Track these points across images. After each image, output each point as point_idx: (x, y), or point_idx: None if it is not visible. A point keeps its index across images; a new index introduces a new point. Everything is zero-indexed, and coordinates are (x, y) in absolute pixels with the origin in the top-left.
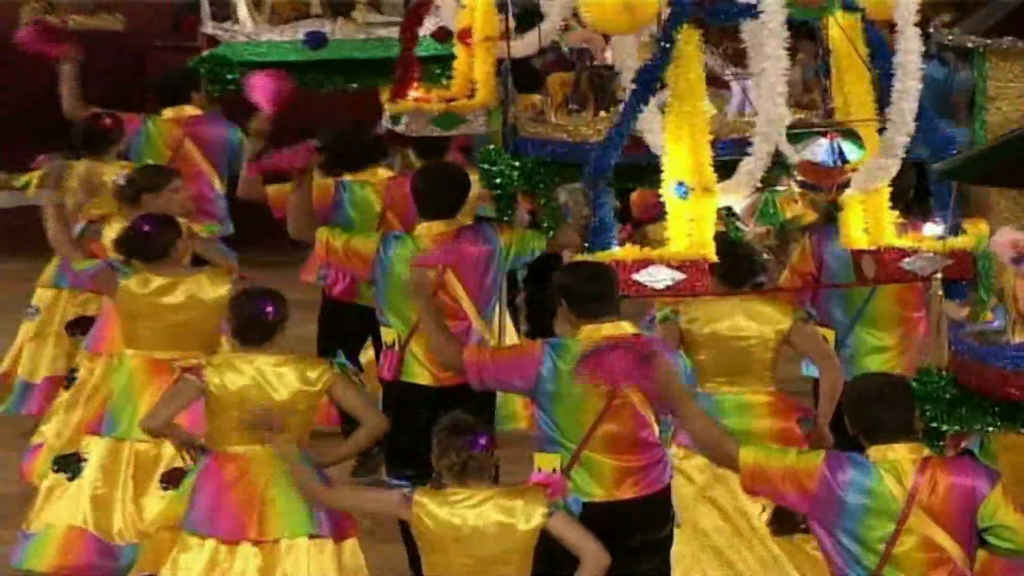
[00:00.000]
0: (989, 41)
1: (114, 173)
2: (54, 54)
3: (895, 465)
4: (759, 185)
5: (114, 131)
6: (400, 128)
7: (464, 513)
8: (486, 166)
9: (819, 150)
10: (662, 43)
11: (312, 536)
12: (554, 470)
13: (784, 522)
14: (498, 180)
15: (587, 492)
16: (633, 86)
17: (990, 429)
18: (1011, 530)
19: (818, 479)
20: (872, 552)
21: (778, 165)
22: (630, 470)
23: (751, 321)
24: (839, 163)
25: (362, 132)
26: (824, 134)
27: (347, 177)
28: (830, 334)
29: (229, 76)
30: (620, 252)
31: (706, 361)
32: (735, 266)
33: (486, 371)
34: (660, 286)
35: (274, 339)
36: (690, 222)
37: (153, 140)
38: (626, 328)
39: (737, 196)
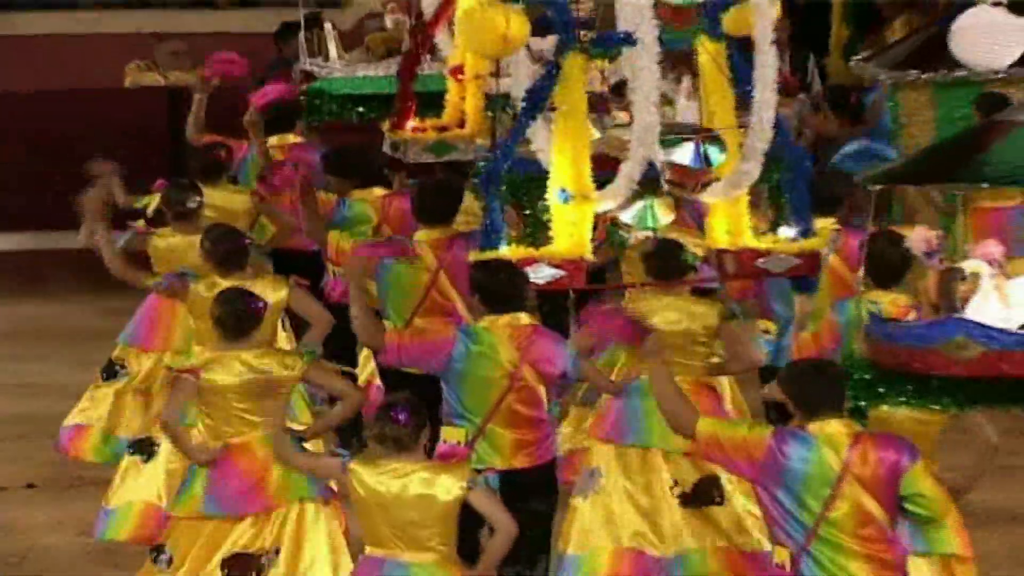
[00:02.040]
0: (899, 74)
1: (222, 198)
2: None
3: (831, 439)
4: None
5: (226, 161)
6: (399, 154)
7: (390, 482)
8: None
9: (686, 153)
10: (550, 68)
11: (311, 499)
12: (459, 442)
13: (700, 497)
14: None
15: (488, 461)
16: (524, 105)
17: (904, 403)
18: (927, 499)
19: (765, 450)
20: (810, 513)
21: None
22: (525, 443)
23: (682, 317)
24: (704, 165)
25: (362, 155)
26: (692, 140)
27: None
28: (772, 327)
29: (327, 108)
30: (508, 251)
31: None
32: (666, 264)
33: (404, 351)
34: (541, 281)
35: (254, 334)
36: (571, 225)
37: (259, 165)
38: (522, 319)
39: (615, 201)
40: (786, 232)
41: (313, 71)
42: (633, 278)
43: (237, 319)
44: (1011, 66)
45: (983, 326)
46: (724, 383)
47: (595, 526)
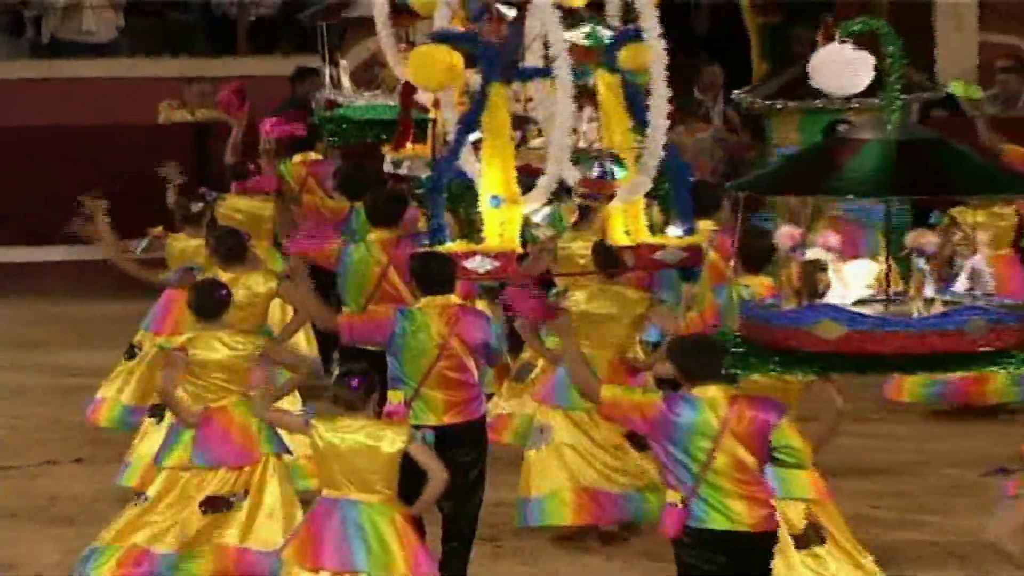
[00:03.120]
0: (770, 104)
1: (247, 204)
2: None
3: (712, 401)
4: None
5: (254, 173)
6: (402, 170)
7: (343, 436)
8: (420, 191)
9: (594, 169)
10: (478, 96)
11: (273, 455)
12: (399, 402)
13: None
14: (458, 198)
15: (423, 419)
16: (458, 127)
17: (772, 372)
18: (793, 449)
19: (657, 410)
20: (696, 462)
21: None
22: (455, 403)
23: (613, 304)
24: (608, 178)
25: (362, 169)
26: (597, 158)
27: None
28: None
29: (349, 131)
30: (453, 246)
31: (579, 330)
32: (605, 259)
33: (355, 331)
34: (481, 271)
35: (224, 317)
36: (501, 224)
37: (285, 178)
38: (452, 300)
39: (535, 204)
40: (674, 231)
41: (337, 100)
42: (567, 270)
43: (206, 304)
44: (860, 95)
45: (846, 311)
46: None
47: (552, 471)
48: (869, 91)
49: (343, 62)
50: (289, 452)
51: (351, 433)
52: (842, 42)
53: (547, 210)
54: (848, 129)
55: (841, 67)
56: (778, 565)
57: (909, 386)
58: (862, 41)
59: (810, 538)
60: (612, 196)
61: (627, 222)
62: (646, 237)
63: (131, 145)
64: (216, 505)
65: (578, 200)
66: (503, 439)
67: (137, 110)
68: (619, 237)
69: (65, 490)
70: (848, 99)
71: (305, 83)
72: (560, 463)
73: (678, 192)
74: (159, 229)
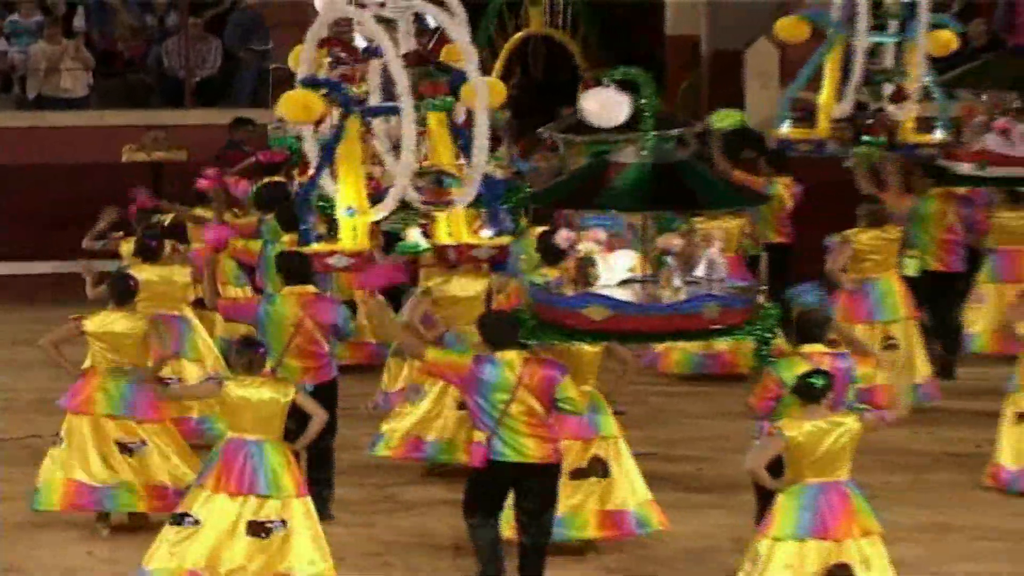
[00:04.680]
0: (566, 136)
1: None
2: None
3: (510, 361)
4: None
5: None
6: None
7: (249, 391)
8: (321, 203)
9: (431, 181)
10: (336, 128)
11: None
12: (268, 369)
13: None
14: (325, 209)
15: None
16: (320, 153)
17: (555, 342)
18: (572, 400)
19: (467, 369)
20: (496, 410)
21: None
22: (308, 368)
23: (463, 285)
24: (444, 187)
25: (271, 187)
26: (430, 174)
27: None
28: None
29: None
30: (317, 247)
31: (445, 310)
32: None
33: (230, 312)
34: (340, 265)
35: (132, 303)
36: (354, 230)
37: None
38: (308, 289)
39: (384, 212)
40: (487, 232)
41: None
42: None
43: (117, 291)
44: (623, 128)
45: (611, 298)
46: None
47: (420, 418)
48: (631, 125)
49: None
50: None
51: (256, 388)
52: (606, 85)
53: (396, 217)
54: (614, 154)
55: (605, 105)
56: (567, 490)
57: (677, 359)
58: (622, 85)
59: (595, 470)
60: (449, 203)
61: (450, 225)
62: (466, 237)
63: (100, 180)
64: (256, 531)
65: (423, 209)
66: None
67: (105, 152)
68: (443, 237)
69: None
70: (617, 131)
71: (240, 130)
72: (427, 412)
73: (490, 202)
74: (120, 233)
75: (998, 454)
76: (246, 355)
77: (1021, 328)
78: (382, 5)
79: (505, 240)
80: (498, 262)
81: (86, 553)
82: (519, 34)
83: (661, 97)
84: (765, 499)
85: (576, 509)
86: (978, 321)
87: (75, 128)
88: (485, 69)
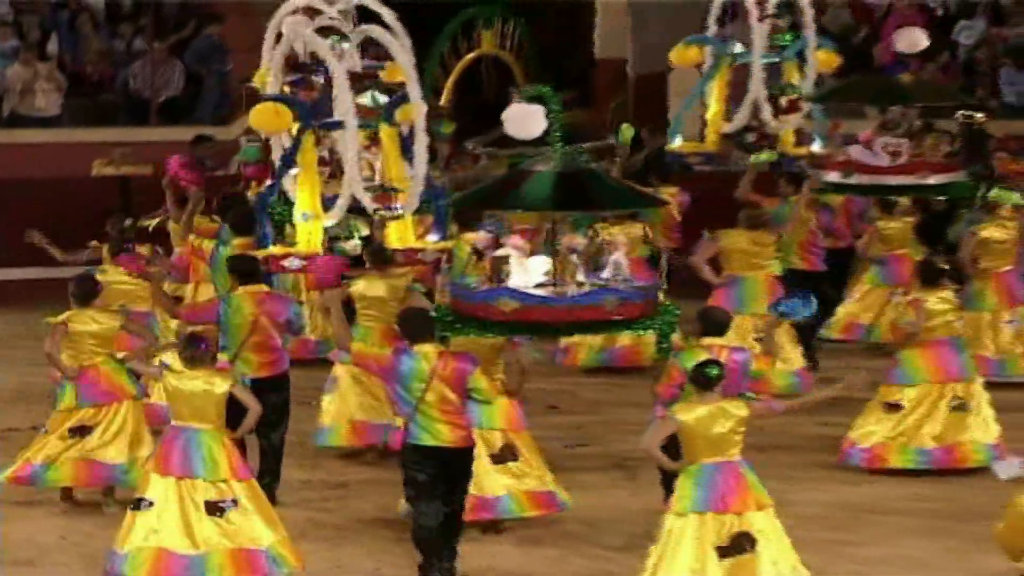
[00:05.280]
0: (489, 150)
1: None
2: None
3: (426, 354)
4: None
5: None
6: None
7: (187, 383)
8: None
9: (381, 191)
10: (294, 139)
11: (133, 398)
12: (226, 359)
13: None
14: (276, 216)
15: (245, 372)
16: (280, 163)
17: (471, 334)
18: (482, 391)
19: (388, 360)
20: (413, 398)
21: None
22: (264, 362)
23: (384, 287)
24: (391, 197)
25: (229, 197)
26: (382, 186)
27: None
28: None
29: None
30: (273, 249)
31: (365, 311)
32: (378, 258)
33: (192, 316)
34: (294, 267)
35: (95, 300)
36: (309, 233)
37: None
38: (262, 288)
39: (335, 220)
40: (432, 237)
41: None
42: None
43: (80, 291)
44: (539, 140)
45: (519, 291)
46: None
47: (337, 407)
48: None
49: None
50: (147, 396)
51: (192, 380)
52: (520, 101)
53: (345, 222)
54: (529, 162)
55: (521, 119)
56: (479, 473)
57: (582, 355)
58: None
59: (505, 456)
60: (397, 210)
61: (397, 231)
62: (412, 242)
63: (72, 192)
64: (211, 511)
65: (376, 217)
66: None
67: (76, 167)
68: (393, 241)
69: None
70: (533, 143)
71: (201, 147)
72: (340, 398)
73: (436, 210)
74: (95, 242)
75: (852, 431)
76: (189, 351)
77: (903, 323)
78: (330, 30)
79: (449, 244)
80: (439, 264)
81: (59, 538)
82: (471, 55)
83: (593, 115)
84: (669, 480)
85: (509, 489)
86: (861, 315)
87: (48, 144)
88: (436, 88)
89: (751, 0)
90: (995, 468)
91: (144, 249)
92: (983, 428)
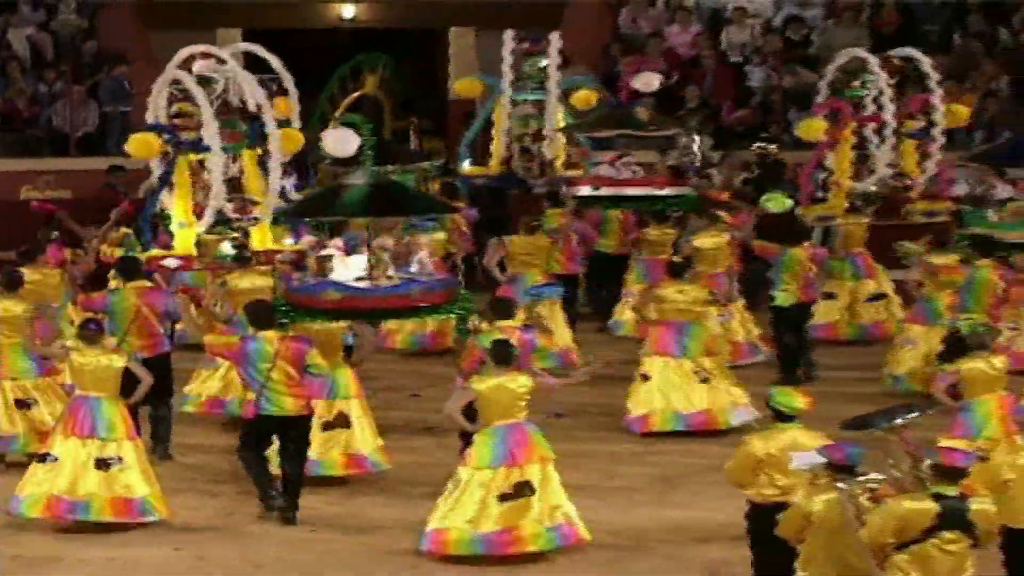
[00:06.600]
0: (381, 169)
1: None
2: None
3: (269, 339)
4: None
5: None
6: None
7: (88, 359)
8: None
9: (243, 204)
10: (170, 163)
11: (35, 377)
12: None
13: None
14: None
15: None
16: (159, 181)
17: (308, 319)
18: (319, 365)
19: (237, 346)
20: (261, 375)
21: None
22: (145, 345)
23: (252, 280)
24: (249, 207)
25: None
26: (243, 198)
27: None
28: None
29: None
30: (153, 252)
31: (236, 299)
32: (243, 258)
33: (86, 305)
34: (172, 266)
35: (20, 291)
36: (185, 239)
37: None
38: (144, 283)
39: (204, 227)
40: (289, 241)
41: None
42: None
43: (7, 280)
44: (356, 158)
45: (342, 284)
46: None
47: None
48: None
49: None
50: (58, 372)
51: (94, 357)
52: (336, 126)
53: (217, 229)
54: (346, 176)
55: (341, 141)
56: (318, 440)
57: (400, 339)
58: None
59: (339, 423)
60: (254, 219)
61: (261, 236)
62: (270, 245)
63: (7, 214)
64: (100, 465)
65: (236, 224)
66: None
67: (5, 192)
68: (256, 245)
69: None
70: (355, 161)
71: (114, 175)
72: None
73: (292, 218)
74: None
75: (627, 403)
76: (83, 332)
77: (648, 313)
78: (208, 81)
79: (302, 247)
80: (298, 264)
81: None
82: (355, 94)
83: (440, 142)
84: (466, 439)
85: (327, 452)
86: (626, 312)
87: None
88: (325, 119)
89: (516, 48)
90: (792, 458)
91: (68, 251)
92: (727, 395)
